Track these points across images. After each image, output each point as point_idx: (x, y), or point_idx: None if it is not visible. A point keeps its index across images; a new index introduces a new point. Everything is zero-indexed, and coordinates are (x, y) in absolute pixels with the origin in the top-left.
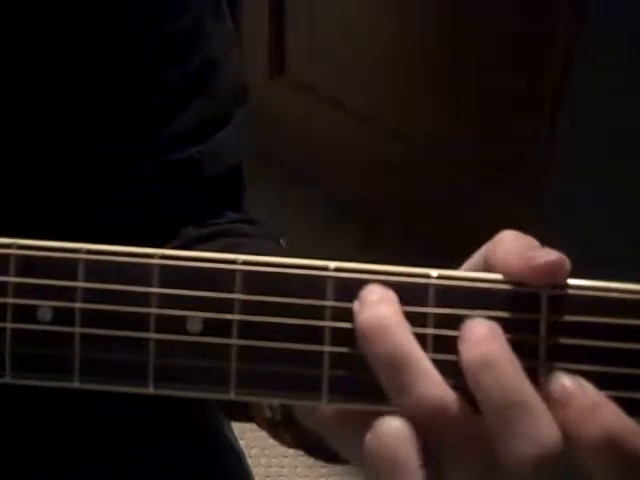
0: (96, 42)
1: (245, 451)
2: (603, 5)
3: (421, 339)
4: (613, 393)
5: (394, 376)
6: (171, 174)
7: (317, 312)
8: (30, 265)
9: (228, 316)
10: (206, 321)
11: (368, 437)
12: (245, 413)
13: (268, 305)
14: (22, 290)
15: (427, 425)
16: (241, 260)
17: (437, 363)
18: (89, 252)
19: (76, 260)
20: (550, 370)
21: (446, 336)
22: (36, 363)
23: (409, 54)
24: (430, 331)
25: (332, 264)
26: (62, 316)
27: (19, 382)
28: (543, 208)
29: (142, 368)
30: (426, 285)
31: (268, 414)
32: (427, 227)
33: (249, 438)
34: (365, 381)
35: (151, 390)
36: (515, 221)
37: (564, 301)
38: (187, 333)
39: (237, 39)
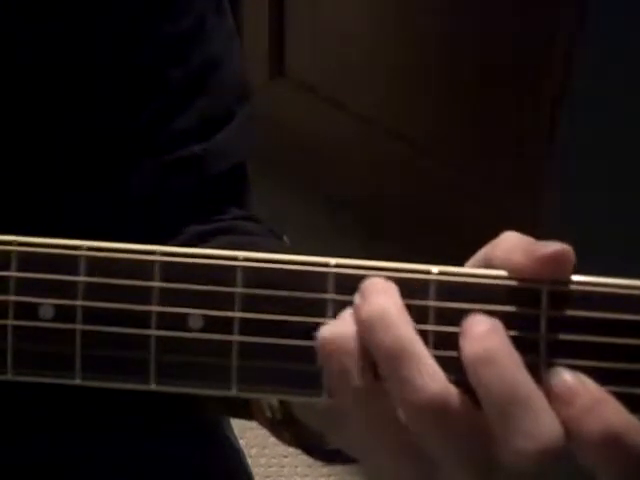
0: (98, 42)
1: (245, 450)
2: (603, 5)
3: (422, 335)
4: (614, 389)
5: (395, 368)
6: (174, 172)
7: (318, 308)
8: (31, 262)
9: (229, 313)
10: (207, 318)
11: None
12: (246, 411)
13: (269, 301)
14: (24, 287)
15: (425, 419)
16: (242, 257)
17: (437, 359)
18: (90, 249)
19: (77, 257)
20: (551, 366)
21: (446, 332)
22: (38, 360)
23: (409, 54)
24: (431, 327)
25: (333, 260)
26: (64, 313)
27: (21, 379)
28: (543, 208)
29: (144, 365)
30: (427, 281)
31: (268, 414)
32: (427, 227)
33: (249, 437)
34: None
35: (153, 387)
36: (515, 221)
37: (564, 297)
38: (188, 330)
39: (238, 35)
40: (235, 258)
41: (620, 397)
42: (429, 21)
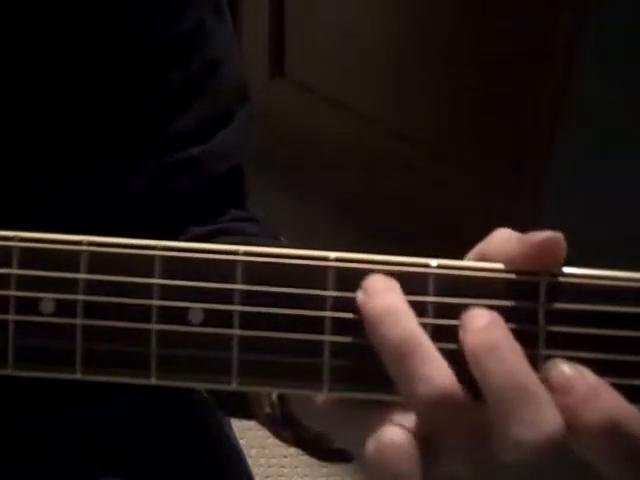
0: (97, 42)
1: (245, 450)
2: (603, 5)
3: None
4: (613, 380)
5: (402, 363)
6: (173, 173)
7: (318, 302)
8: (32, 257)
9: (229, 307)
10: (208, 312)
11: (370, 447)
12: (245, 410)
13: (269, 295)
14: (25, 282)
15: (431, 413)
16: (242, 251)
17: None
18: (91, 244)
19: (78, 252)
20: (549, 358)
21: (446, 325)
22: (39, 355)
23: (409, 54)
24: (430, 320)
25: (332, 254)
26: (64, 308)
27: (22, 374)
28: (543, 208)
29: (144, 359)
30: (426, 274)
31: (268, 410)
32: (427, 227)
33: (249, 437)
34: (366, 371)
35: (153, 381)
36: (515, 221)
37: (562, 289)
38: (189, 324)
39: (237, 38)
40: (235, 252)
41: (618, 388)
42: (429, 21)
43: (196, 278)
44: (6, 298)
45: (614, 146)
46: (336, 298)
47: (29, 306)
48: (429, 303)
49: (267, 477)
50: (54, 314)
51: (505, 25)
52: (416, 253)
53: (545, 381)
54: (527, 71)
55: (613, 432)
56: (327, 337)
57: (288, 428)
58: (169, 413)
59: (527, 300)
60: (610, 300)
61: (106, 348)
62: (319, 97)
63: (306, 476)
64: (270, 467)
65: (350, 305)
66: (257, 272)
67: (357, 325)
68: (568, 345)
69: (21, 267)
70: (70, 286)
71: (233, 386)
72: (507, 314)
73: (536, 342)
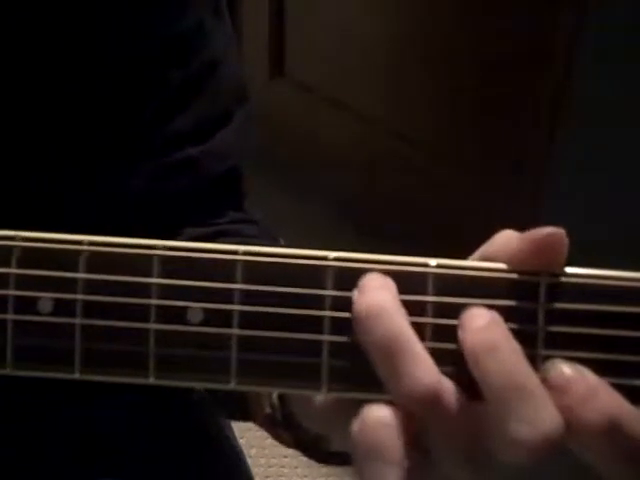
0: (97, 42)
1: (245, 451)
2: (603, 5)
3: (420, 328)
4: (613, 380)
5: (389, 362)
6: (171, 174)
7: (317, 302)
8: (32, 257)
9: (229, 306)
10: (207, 311)
11: (354, 424)
12: (245, 412)
13: (268, 295)
14: (23, 281)
15: (419, 412)
16: (242, 250)
17: (436, 352)
18: (90, 244)
19: (77, 252)
20: (548, 358)
21: (445, 325)
22: (37, 354)
23: (409, 54)
24: (429, 320)
25: (332, 254)
26: (63, 307)
27: (20, 374)
28: (543, 208)
29: (143, 359)
30: (425, 274)
31: (268, 410)
32: (427, 227)
33: (249, 437)
34: (364, 371)
35: (152, 380)
36: (515, 221)
37: (562, 289)
38: (188, 323)
39: (235, 39)
40: (235, 252)
41: (618, 389)
42: (429, 21)
43: (195, 278)
44: (5, 297)
45: (614, 146)
46: (335, 298)
47: (28, 305)
48: (428, 303)
49: (267, 477)
50: (53, 313)
51: (505, 25)
52: (416, 253)
53: (544, 381)
54: (527, 71)
55: (612, 432)
56: (326, 337)
57: (288, 430)
58: (168, 413)
59: (527, 300)
60: (610, 300)
61: (105, 348)
62: (319, 97)
63: (306, 476)
64: (270, 467)
65: (349, 305)
66: (257, 272)
67: None
68: (568, 345)
69: (20, 266)
70: (69, 286)
71: (232, 386)
72: (507, 314)
73: (535, 342)
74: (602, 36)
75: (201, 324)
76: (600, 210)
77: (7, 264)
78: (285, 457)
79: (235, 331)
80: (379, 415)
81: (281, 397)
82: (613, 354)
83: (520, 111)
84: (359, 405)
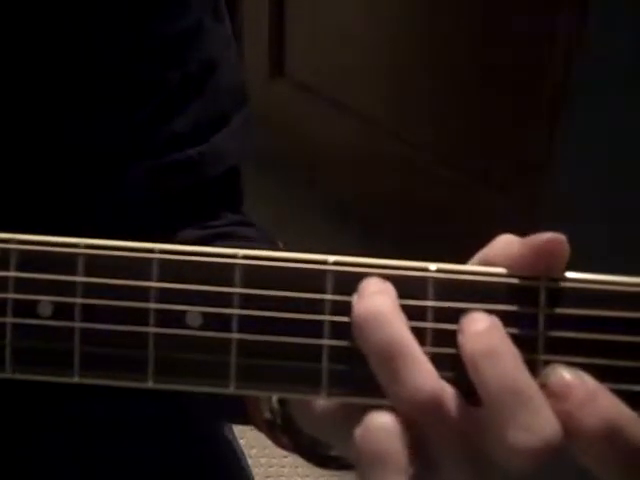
0: (95, 43)
1: (245, 451)
2: (603, 5)
3: (420, 332)
4: (612, 386)
5: (387, 367)
6: (169, 175)
7: (316, 306)
8: (30, 260)
9: (228, 310)
10: (206, 315)
11: (357, 431)
12: (244, 415)
13: (268, 299)
14: (22, 285)
15: (419, 418)
16: (241, 254)
17: (436, 356)
18: (88, 247)
19: (76, 255)
20: (548, 363)
21: (445, 329)
22: (36, 358)
23: (409, 54)
24: (429, 325)
25: (331, 258)
26: (62, 311)
27: (19, 377)
28: (543, 208)
29: (142, 362)
30: (425, 278)
31: (268, 415)
32: (427, 227)
33: (249, 438)
34: (364, 375)
35: (150, 384)
36: (515, 221)
37: (562, 294)
38: (187, 327)
39: (235, 40)
40: (234, 256)
41: (619, 394)
42: (429, 21)
43: (194, 281)
44: (4, 301)
45: (614, 146)
46: (335, 302)
47: (27, 309)
48: (428, 307)
49: (267, 477)
50: (52, 317)
51: (505, 25)
52: (416, 253)
53: (543, 386)
54: (527, 71)
55: (612, 437)
56: (326, 341)
57: (288, 434)
58: (168, 414)
59: (527, 305)
60: (611, 305)
61: (104, 351)
62: (319, 97)
63: (306, 476)
64: (270, 467)
65: (349, 309)
66: (256, 275)
67: None
68: (568, 350)
69: (19, 270)
70: (68, 289)
71: (231, 390)
72: (507, 318)
73: (536, 347)
74: (602, 36)
75: (200, 328)
76: (600, 210)
77: (5, 267)
78: (285, 457)
79: (234, 335)
80: (382, 422)
81: (281, 401)
82: (613, 359)
83: (520, 111)
84: (360, 411)
